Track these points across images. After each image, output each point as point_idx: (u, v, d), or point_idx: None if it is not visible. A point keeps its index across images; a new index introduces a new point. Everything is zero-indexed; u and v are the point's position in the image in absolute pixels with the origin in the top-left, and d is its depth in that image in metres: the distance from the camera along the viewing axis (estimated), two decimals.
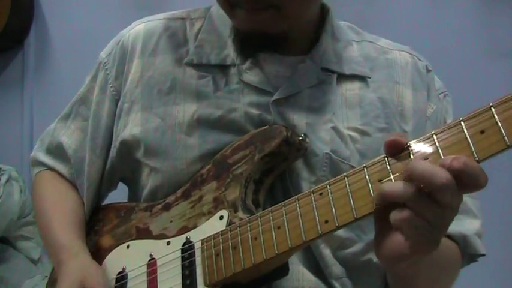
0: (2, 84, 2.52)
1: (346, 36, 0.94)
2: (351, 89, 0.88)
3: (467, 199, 0.90)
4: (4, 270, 2.05)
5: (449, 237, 0.87)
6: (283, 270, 0.75)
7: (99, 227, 0.96)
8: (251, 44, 0.88)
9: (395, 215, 0.61)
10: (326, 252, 0.82)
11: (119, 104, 0.94)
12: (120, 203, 0.97)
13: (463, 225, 0.88)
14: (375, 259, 0.83)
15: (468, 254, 0.89)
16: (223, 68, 0.88)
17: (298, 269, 0.81)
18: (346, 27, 0.96)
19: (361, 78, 0.89)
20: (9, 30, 2.39)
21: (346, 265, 0.84)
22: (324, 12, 0.93)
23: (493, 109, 0.57)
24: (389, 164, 0.63)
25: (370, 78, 0.89)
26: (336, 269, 0.83)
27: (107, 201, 1.02)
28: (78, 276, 0.84)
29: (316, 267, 0.82)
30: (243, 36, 0.89)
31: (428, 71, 0.95)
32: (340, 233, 0.82)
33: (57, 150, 1.02)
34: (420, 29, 2.07)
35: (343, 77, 0.88)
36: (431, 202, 0.59)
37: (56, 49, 2.47)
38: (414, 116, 0.89)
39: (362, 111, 0.87)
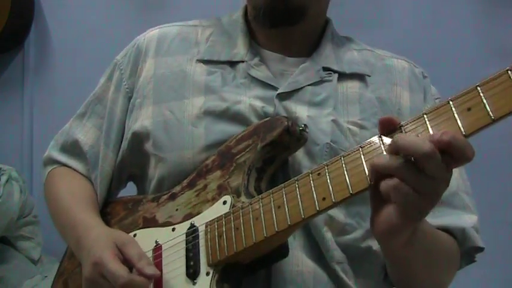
0: (2, 84, 2.52)
1: (346, 44, 1.00)
2: (352, 87, 0.93)
3: (464, 196, 0.93)
4: (4, 270, 2.05)
5: (448, 231, 0.90)
6: (283, 251, 0.79)
7: (107, 220, 0.98)
8: (267, 23, 0.92)
9: (385, 183, 0.64)
10: (328, 235, 0.85)
11: (132, 100, 0.98)
12: (128, 196, 1.00)
13: (462, 219, 0.91)
14: (375, 246, 0.88)
15: (467, 248, 0.91)
16: (232, 64, 0.94)
17: (298, 254, 0.84)
18: (347, 39, 1.02)
19: (361, 78, 0.94)
20: (9, 31, 2.39)
21: (347, 251, 0.87)
22: (325, 24, 1.00)
23: (478, 88, 0.61)
24: (383, 144, 0.67)
25: (369, 76, 0.95)
26: (337, 253, 0.86)
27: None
28: (110, 238, 0.85)
29: (316, 252, 0.85)
30: (256, 22, 0.94)
31: (424, 76, 1.00)
32: (341, 218, 0.86)
33: (72, 148, 1.05)
34: (421, 29, 2.08)
35: (344, 77, 0.93)
36: (417, 171, 0.62)
37: (56, 49, 2.47)
38: (411, 115, 0.91)
39: (361, 107, 0.91)
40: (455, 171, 0.92)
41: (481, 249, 0.93)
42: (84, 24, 2.37)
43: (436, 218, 0.88)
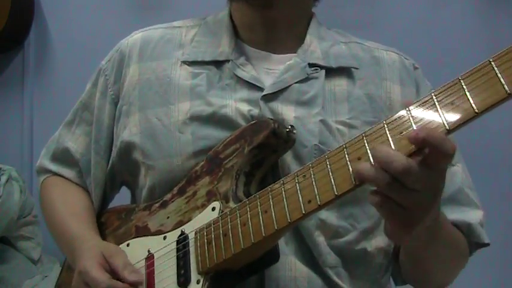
0: (2, 84, 2.52)
1: (332, 37, 0.97)
2: (339, 84, 0.91)
3: (469, 191, 0.93)
4: (4, 270, 2.05)
5: (455, 226, 0.90)
6: (273, 256, 0.78)
7: (102, 230, 0.99)
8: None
9: (369, 197, 0.64)
10: (320, 239, 0.84)
11: (118, 106, 0.97)
12: (121, 205, 1.00)
13: (467, 215, 0.91)
14: (370, 248, 0.87)
15: (472, 243, 0.92)
16: (217, 63, 0.92)
17: (290, 259, 0.83)
18: (333, 31, 1.00)
19: (349, 73, 0.92)
20: (9, 31, 2.39)
21: (341, 254, 0.86)
22: (310, 18, 0.98)
23: (461, 81, 0.60)
24: (367, 142, 0.65)
25: (357, 68, 0.93)
26: (331, 257, 0.85)
27: (113, 204, 1.04)
28: (99, 250, 0.86)
29: (309, 257, 0.84)
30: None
31: (415, 68, 0.98)
32: (334, 221, 0.85)
33: (63, 156, 1.05)
34: (420, 29, 2.08)
35: (331, 73, 0.91)
36: (398, 185, 0.61)
37: (56, 49, 2.47)
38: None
39: (350, 106, 0.90)
40: (459, 167, 0.93)
41: (486, 245, 0.93)
42: (84, 24, 2.37)
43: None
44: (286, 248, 0.83)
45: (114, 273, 0.82)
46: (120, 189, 1.06)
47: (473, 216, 0.91)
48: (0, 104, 2.52)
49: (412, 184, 0.61)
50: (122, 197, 1.06)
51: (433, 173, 0.62)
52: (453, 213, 0.90)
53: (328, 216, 0.84)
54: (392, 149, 0.62)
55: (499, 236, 1.98)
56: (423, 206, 0.64)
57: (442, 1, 2.11)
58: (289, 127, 0.81)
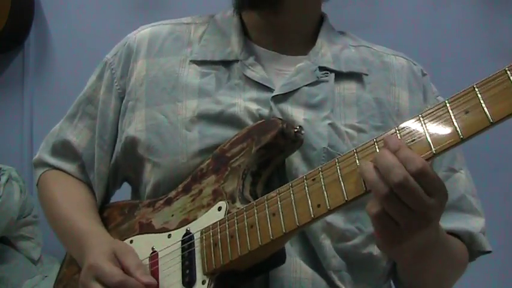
0: (2, 84, 2.52)
1: (343, 41, 0.97)
2: (349, 88, 0.91)
3: (472, 198, 0.93)
4: (4, 270, 2.05)
5: (456, 235, 0.90)
6: (280, 258, 0.77)
7: (104, 225, 0.97)
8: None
9: (368, 208, 0.64)
10: (326, 243, 0.84)
11: (124, 101, 0.96)
12: (123, 201, 0.99)
13: (469, 223, 0.91)
14: (376, 252, 0.87)
15: (473, 251, 0.92)
16: (226, 63, 0.91)
17: (295, 260, 0.83)
18: (344, 34, 1.00)
19: (358, 79, 0.92)
20: (9, 31, 2.39)
21: (346, 258, 0.85)
22: (321, 19, 0.98)
23: (476, 89, 0.59)
24: (378, 148, 0.65)
25: (367, 75, 0.92)
26: (335, 261, 0.84)
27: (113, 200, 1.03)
28: (110, 246, 0.85)
29: (314, 259, 0.84)
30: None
31: (424, 74, 0.98)
32: (340, 225, 0.85)
33: (63, 149, 1.03)
34: (421, 29, 2.08)
35: (341, 76, 0.91)
36: (397, 200, 0.62)
37: (56, 49, 2.47)
38: (410, 116, 0.91)
39: (359, 110, 0.89)
40: (462, 173, 0.93)
41: (488, 252, 0.93)
42: (84, 24, 2.37)
43: (444, 222, 0.86)
44: (291, 248, 0.83)
45: (125, 271, 0.82)
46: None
47: (475, 224, 0.91)
48: (0, 104, 2.52)
49: (406, 199, 0.61)
50: (122, 193, 1.05)
51: (430, 198, 0.63)
52: (454, 221, 0.89)
53: (335, 219, 0.84)
54: (394, 158, 0.61)
55: (499, 237, 1.98)
56: (412, 227, 0.65)
57: (442, 1, 2.11)
58: (297, 127, 0.81)
